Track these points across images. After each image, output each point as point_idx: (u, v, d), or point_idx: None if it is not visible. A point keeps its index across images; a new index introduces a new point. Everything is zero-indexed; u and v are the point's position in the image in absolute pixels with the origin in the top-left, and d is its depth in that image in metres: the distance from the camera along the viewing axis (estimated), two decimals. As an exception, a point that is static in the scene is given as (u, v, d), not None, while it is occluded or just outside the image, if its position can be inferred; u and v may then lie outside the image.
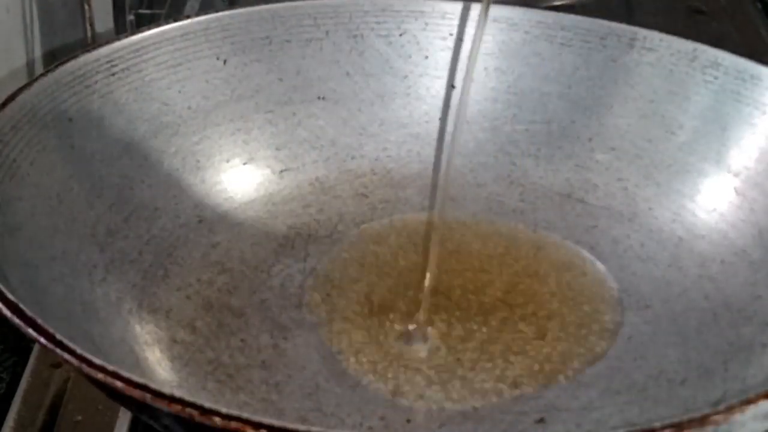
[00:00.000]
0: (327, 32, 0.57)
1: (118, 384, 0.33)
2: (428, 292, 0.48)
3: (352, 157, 0.56)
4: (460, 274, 0.50)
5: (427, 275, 0.49)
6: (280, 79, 0.56)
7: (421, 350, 0.45)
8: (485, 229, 0.53)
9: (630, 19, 0.74)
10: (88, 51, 0.51)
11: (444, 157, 0.56)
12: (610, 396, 0.43)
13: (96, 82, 0.50)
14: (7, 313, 0.36)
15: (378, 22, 0.57)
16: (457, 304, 0.48)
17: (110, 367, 0.34)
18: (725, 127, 0.52)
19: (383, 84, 0.57)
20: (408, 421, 0.42)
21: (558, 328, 0.47)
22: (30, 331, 0.35)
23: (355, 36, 0.57)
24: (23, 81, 0.49)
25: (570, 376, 0.44)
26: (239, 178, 0.54)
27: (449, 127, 0.57)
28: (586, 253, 0.51)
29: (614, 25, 0.56)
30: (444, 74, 0.57)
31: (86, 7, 0.80)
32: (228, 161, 0.54)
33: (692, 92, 0.54)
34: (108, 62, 0.51)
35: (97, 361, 0.34)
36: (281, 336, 0.46)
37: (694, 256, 0.50)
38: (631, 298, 0.49)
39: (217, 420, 0.32)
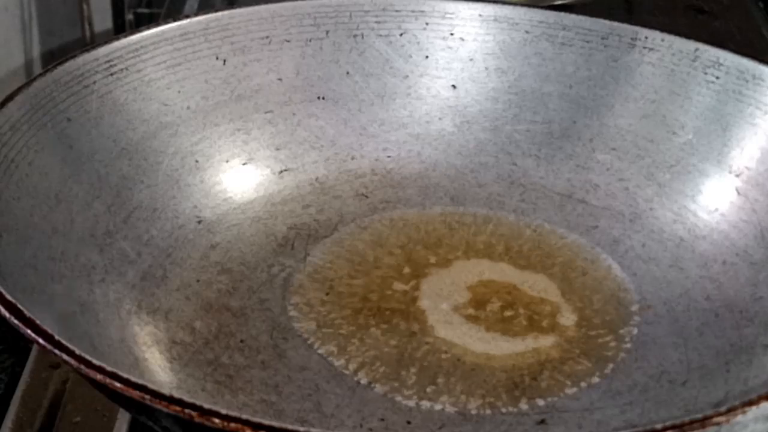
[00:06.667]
0: (327, 32, 0.57)
1: (117, 385, 0.33)
2: (429, 293, 0.48)
3: (352, 157, 0.56)
4: (461, 274, 0.50)
5: (428, 275, 0.49)
6: (280, 79, 0.56)
7: (421, 350, 0.45)
8: (486, 229, 0.53)
9: (631, 18, 0.74)
10: (87, 51, 0.51)
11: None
12: (611, 397, 0.43)
13: (95, 82, 0.50)
14: (6, 313, 0.36)
15: (378, 22, 0.57)
16: (458, 304, 0.48)
17: (109, 368, 0.34)
18: (727, 127, 0.52)
19: (383, 84, 0.57)
20: (408, 422, 0.42)
21: (559, 328, 0.47)
22: (28, 331, 0.35)
23: (355, 36, 0.57)
24: (21, 81, 0.49)
25: (571, 377, 0.44)
26: (239, 179, 0.54)
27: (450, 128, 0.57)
28: (587, 254, 0.51)
29: (615, 24, 0.56)
30: (444, 74, 0.57)
31: (85, 6, 0.80)
32: (227, 161, 0.54)
33: (694, 92, 0.54)
34: (107, 62, 0.51)
35: (96, 361, 0.34)
36: (281, 336, 0.46)
37: (696, 256, 0.50)
38: (632, 298, 0.48)
39: (217, 421, 0.32)
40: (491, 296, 0.48)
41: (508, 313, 0.47)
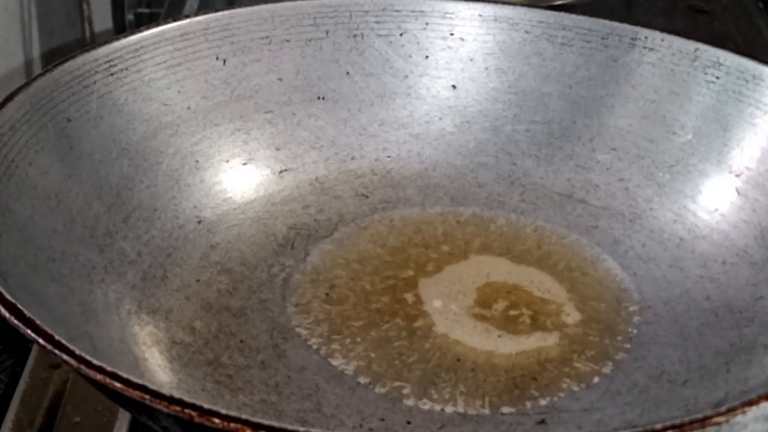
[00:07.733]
0: (327, 32, 0.57)
1: (117, 385, 0.33)
2: (429, 292, 0.48)
3: (352, 157, 0.56)
4: (461, 274, 0.50)
5: (428, 275, 0.49)
6: (280, 79, 0.56)
7: (421, 350, 0.45)
8: (486, 229, 0.53)
9: (631, 18, 0.74)
10: (87, 51, 0.51)
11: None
12: (611, 397, 0.43)
13: (95, 82, 0.50)
14: (6, 313, 0.36)
15: (378, 22, 0.57)
16: (458, 304, 0.48)
17: (109, 368, 0.34)
18: (727, 127, 0.52)
19: (383, 84, 0.57)
20: (408, 422, 0.42)
21: (559, 329, 0.47)
22: (29, 332, 0.35)
23: (355, 36, 0.57)
24: (21, 81, 0.49)
25: (571, 377, 0.44)
26: (239, 179, 0.54)
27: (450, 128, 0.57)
28: (587, 254, 0.51)
29: (615, 24, 0.56)
30: (444, 74, 0.57)
31: (85, 6, 0.80)
32: (227, 161, 0.54)
33: (694, 92, 0.54)
34: (107, 62, 0.51)
35: (96, 362, 0.34)
36: (281, 336, 0.46)
37: (696, 256, 0.50)
38: (632, 298, 0.48)
39: (217, 421, 0.32)
40: (495, 296, 0.48)
41: (513, 313, 0.47)
